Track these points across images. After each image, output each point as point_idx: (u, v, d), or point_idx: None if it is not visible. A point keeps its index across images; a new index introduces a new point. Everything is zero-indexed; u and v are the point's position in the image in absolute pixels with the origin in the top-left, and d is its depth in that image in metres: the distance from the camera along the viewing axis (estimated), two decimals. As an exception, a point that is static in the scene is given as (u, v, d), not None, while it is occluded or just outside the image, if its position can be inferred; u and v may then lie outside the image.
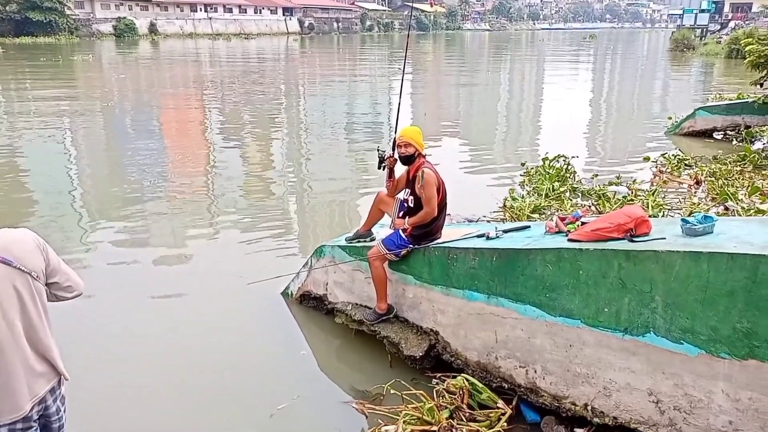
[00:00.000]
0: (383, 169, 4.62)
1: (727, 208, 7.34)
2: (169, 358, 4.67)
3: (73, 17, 58.78)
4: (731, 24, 53.24)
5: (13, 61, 34.02)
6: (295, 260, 6.08)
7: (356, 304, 4.88)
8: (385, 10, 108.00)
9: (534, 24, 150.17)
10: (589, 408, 3.44)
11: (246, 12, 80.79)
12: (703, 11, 60.13)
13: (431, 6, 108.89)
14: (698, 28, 56.28)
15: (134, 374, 4.42)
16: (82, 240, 7.23)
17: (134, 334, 5.00)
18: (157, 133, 14.92)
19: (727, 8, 60.90)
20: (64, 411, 2.54)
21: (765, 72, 11.53)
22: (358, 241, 4.88)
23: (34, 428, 2.37)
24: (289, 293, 5.58)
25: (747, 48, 11.89)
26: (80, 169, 11.02)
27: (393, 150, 4.53)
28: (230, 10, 78.72)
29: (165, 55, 43.27)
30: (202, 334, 5.02)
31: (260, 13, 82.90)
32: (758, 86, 12.14)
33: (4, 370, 2.24)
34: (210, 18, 74.94)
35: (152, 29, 66.35)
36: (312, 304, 5.36)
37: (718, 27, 55.86)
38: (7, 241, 2.30)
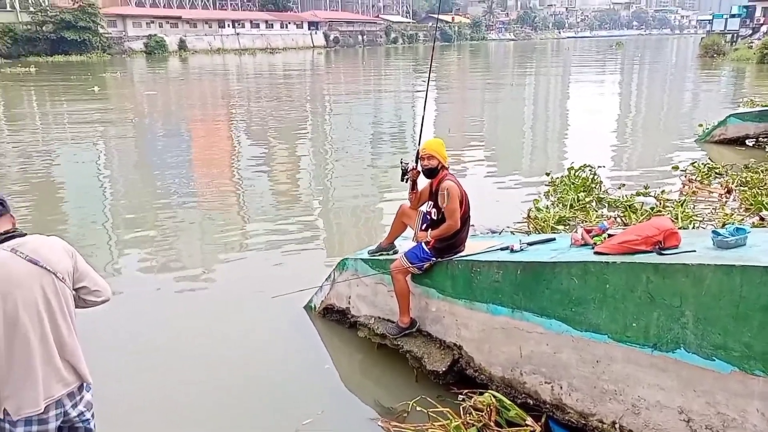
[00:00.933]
0: (406, 182, 4.60)
1: (762, 219, 7.12)
2: (194, 371, 4.70)
3: (106, 35, 60.49)
4: (763, 28, 52.02)
5: (45, 77, 35.15)
6: (318, 273, 6.08)
7: (379, 317, 4.86)
8: (409, 22, 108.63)
9: (559, 33, 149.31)
10: (617, 426, 3.35)
11: (272, 27, 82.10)
12: (733, 16, 58.98)
13: (452, 19, 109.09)
14: (729, 34, 55.22)
15: (158, 387, 4.46)
16: (110, 251, 7.38)
17: (158, 346, 5.05)
18: (184, 148, 15.18)
19: (758, 12, 59.54)
20: (92, 417, 2.57)
21: (799, 77, 11.21)
22: (381, 254, 4.86)
23: (53, 429, 2.40)
24: (312, 306, 5.58)
25: (780, 53, 11.59)
26: (109, 183, 11.26)
27: (416, 162, 4.51)
28: (257, 26, 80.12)
29: (192, 71, 44.19)
30: (225, 347, 5.05)
31: (286, 27, 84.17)
32: (792, 92, 11.81)
33: (25, 364, 2.32)
34: (237, 34, 76.34)
35: (182, 45, 67.89)
36: (335, 317, 5.35)
37: (750, 32, 54.65)
38: (37, 244, 2.44)
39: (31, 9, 56.52)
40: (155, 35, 65.46)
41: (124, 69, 43.47)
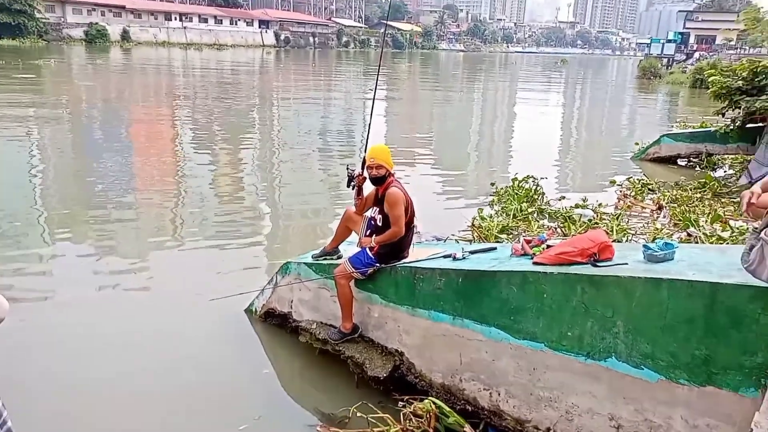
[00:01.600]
0: (352, 189, 4.59)
1: (690, 234, 7.50)
2: (127, 375, 4.51)
3: (43, 21, 57.70)
4: (696, 54, 55.19)
5: None
6: (260, 277, 5.98)
7: (321, 322, 4.81)
8: (361, 27, 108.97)
9: (507, 47, 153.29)
10: (551, 432, 3.44)
11: (222, 23, 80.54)
12: (669, 41, 62.41)
13: (409, 27, 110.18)
14: (665, 57, 58.26)
15: (89, 393, 4.25)
16: (41, 250, 7.01)
17: (90, 351, 4.82)
18: (123, 145, 14.63)
19: (692, 39, 63.26)
20: None
21: (727, 102, 11.91)
22: (325, 259, 4.82)
23: None
24: (253, 310, 5.48)
25: (710, 79, 12.28)
26: (41, 179, 10.71)
27: (362, 168, 4.51)
28: (205, 21, 78.39)
29: (135, 63, 42.68)
30: (161, 350, 4.88)
31: (236, 24, 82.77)
32: (720, 116, 12.54)
33: None
34: (185, 27, 74.44)
35: (125, 36, 65.60)
36: (276, 321, 5.26)
37: (684, 57, 57.86)
38: None
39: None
40: (96, 24, 63.00)
41: (60, 57, 41.44)
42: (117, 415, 4.05)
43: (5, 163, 11.35)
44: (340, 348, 4.51)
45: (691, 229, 7.53)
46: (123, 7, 68.14)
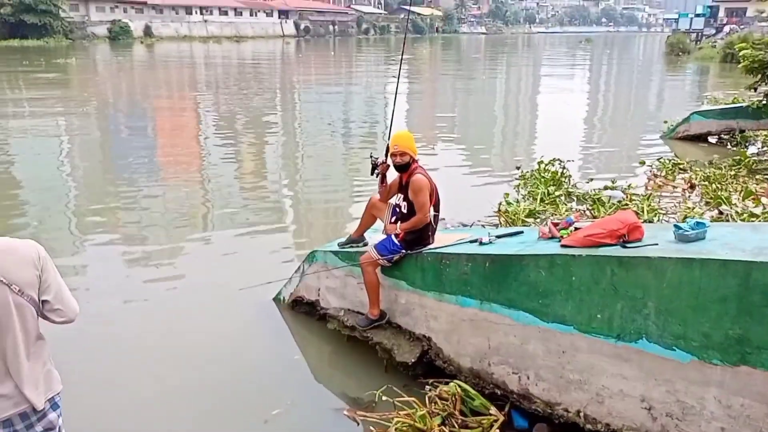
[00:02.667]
0: (376, 176, 4.61)
1: (721, 213, 7.34)
2: (160, 364, 4.63)
3: (68, 20, 58.62)
4: (726, 28, 53.50)
5: None
6: (287, 266, 6.04)
7: (348, 309, 4.85)
8: (381, 13, 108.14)
9: (530, 27, 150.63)
10: (581, 415, 3.42)
11: (241, 15, 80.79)
12: (698, 15, 60.55)
13: (430, 12, 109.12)
14: (693, 32, 56.59)
15: (125, 383, 4.37)
16: (72, 244, 7.19)
17: (122, 340, 4.95)
18: (149, 139, 14.86)
19: (722, 13, 61.25)
20: None
21: (759, 76, 11.55)
22: (351, 247, 4.86)
23: None
24: (281, 299, 5.55)
25: (741, 53, 11.91)
26: (69, 173, 10.96)
27: (386, 156, 4.52)
28: (225, 13, 78.70)
29: (158, 58, 43.16)
30: (193, 340, 4.98)
31: (256, 15, 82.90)
32: (752, 91, 12.17)
33: None
34: (205, 21, 74.90)
35: (147, 32, 66.24)
36: (304, 309, 5.33)
37: (713, 31, 56.15)
38: None
39: (-11, -10, 54.47)
40: (119, 20, 63.74)
41: (82, 55, 41.99)
42: (152, 402, 4.16)
43: (34, 159, 11.64)
44: (368, 334, 4.55)
45: (723, 207, 7.37)
46: (144, 3, 68.75)
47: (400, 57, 5.58)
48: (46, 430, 2.35)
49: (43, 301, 2.31)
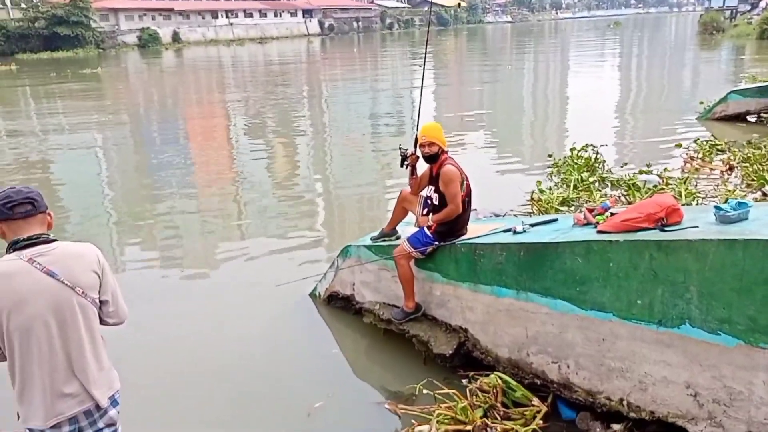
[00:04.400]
0: (406, 168, 4.60)
1: (765, 194, 7.11)
2: (203, 360, 4.74)
3: (99, 30, 60.09)
4: (762, 3, 51.55)
5: (27, 74, 34.48)
6: (322, 261, 6.10)
7: (384, 303, 4.87)
8: (404, 7, 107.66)
9: (557, 13, 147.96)
10: (624, 403, 3.37)
11: (266, 16, 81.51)
12: (732, -9, 58.49)
13: (458, 5, 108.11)
14: (727, 10, 54.78)
15: (170, 380, 4.49)
16: (111, 244, 7.40)
17: (168, 340, 5.08)
18: (182, 141, 15.14)
19: (757, -13, 59.09)
20: None
21: (799, 51, 11.12)
22: (384, 240, 4.87)
23: None
24: (317, 294, 5.60)
25: (779, 27, 11.49)
26: (104, 178, 11.25)
27: (414, 148, 4.51)
28: (251, 15, 79.53)
29: (187, 62, 43.88)
30: (232, 337, 5.08)
31: (280, 16, 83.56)
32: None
33: (32, 380, 2.25)
34: (231, 24, 75.84)
35: (175, 38, 67.47)
36: (340, 304, 5.37)
37: (749, 7, 54.21)
38: (61, 254, 2.30)
39: (23, 5, 56.11)
40: (148, 28, 65.03)
41: (112, 63, 42.85)
42: (195, 399, 4.26)
43: (70, 168, 11.98)
44: (404, 327, 4.56)
45: (766, 188, 7.14)
46: (171, 10, 70.03)
47: (424, 50, 5.53)
48: (107, 426, 2.46)
49: (101, 302, 2.43)
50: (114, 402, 2.48)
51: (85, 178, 11.07)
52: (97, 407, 2.39)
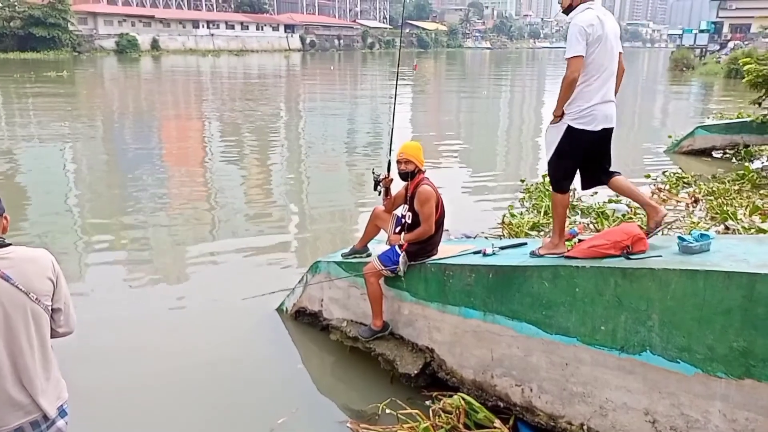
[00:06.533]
0: (379, 194, 4.63)
1: (727, 228, 7.32)
2: (165, 372, 4.63)
3: (76, 33, 59.32)
4: (730, 44, 53.70)
5: None
6: (291, 276, 6.05)
7: (351, 320, 4.85)
8: (386, 28, 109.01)
9: (534, 42, 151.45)
10: (585, 428, 3.39)
11: (248, 29, 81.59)
12: (702, 31, 60.86)
13: (435, 27, 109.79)
14: (697, 48, 56.83)
15: (126, 393, 4.36)
16: (77, 253, 7.22)
17: (128, 351, 4.94)
18: (153, 149, 14.94)
19: (726, 29, 61.57)
20: None
21: (763, 91, 11.57)
22: (354, 257, 4.86)
23: None
24: (284, 309, 5.55)
25: (745, 68, 11.94)
26: (75, 187, 11.03)
27: (388, 170, 4.56)
28: (232, 27, 79.52)
29: (151, 71, 43.52)
30: (195, 349, 4.98)
31: (262, 30, 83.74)
32: (757, 105, 12.18)
33: None
34: (212, 34, 75.65)
35: (154, 45, 66.98)
36: (307, 320, 5.32)
37: (718, 47, 56.40)
38: (17, 258, 2.23)
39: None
40: (127, 34, 64.47)
41: (84, 67, 42.03)
42: (155, 411, 4.15)
43: (33, 176, 11.72)
44: (371, 345, 4.53)
45: (729, 222, 7.35)
46: (152, 17, 69.64)
47: (398, 70, 5.56)
48: None
49: (54, 310, 2.34)
50: (62, 412, 2.39)
51: (52, 183, 10.83)
52: (45, 418, 2.30)
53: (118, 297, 5.97)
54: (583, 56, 3.56)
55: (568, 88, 3.63)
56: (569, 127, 3.69)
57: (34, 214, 8.87)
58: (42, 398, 2.27)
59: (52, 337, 2.40)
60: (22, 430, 2.25)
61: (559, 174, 3.85)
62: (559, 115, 3.72)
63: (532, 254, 3.81)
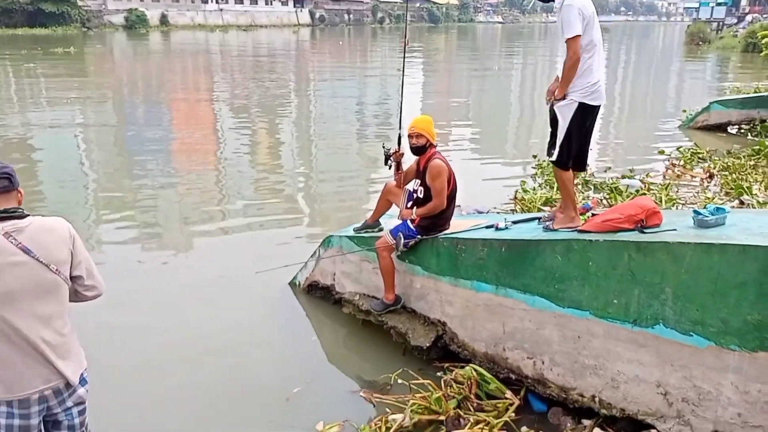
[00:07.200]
0: (389, 167, 4.62)
1: (742, 203, 7.25)
2: (181, 346, 4.70)
3: (85, 8, 59.00)
4: (748, 17, 52.46)
5: None
6: (303, 250, 6.07)
7: (364, 294, 4.89)
8: (396, 2, 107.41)
9: (547, 17, 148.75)
10: (596, 399, 3.43)
11: (257, 3, 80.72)
12: (719, 4, 59.31)
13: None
14: (714, 22, 55.54)
15: (145, 366, 4.44)
16: (88, 228, 7.29)
17: (144, 326, 5.01)
18: (164, 127, 14.96)
19: (744, 1, 60.01)
20: (79, 413, 2.45)
21: (781, 65, 11.35)
22: (366, 232, 4.88)
23: (35, 423, 2.32)
24: (297, 283, 5.60)
25: (764, 40, 11.73)
26: (87, 162, 11.09)
27: (398, 144, 4.54)
28: (241, 2, 78.67)
29: (160, 48, 43.30)
30: (210, 322, 5.04)
31: (271, 4, 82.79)
32: (774, 79, 11.95)
33: (6, 352, 2.23)
34: (221, 9, 74.95)
35: (163, 20, 66.45)
36: (319, 294, 5.37)
37: (735, 20, 55.07)
38: (35, 230, 2.27)
39: (8, -21, 54.83)
40: (136, 9, 63.95)
41: (88, 44, 41.69)
42: (173, 385, 4.22)
43: (44, 150, 11.79)
44: (383, 319, 4.58)
45: (744, 196, 7.28)
46: (161, -8, 68.96)
47: (410, 45, 5.50)
48: (76, 404, 2.44)
49: (75, 277, 2.39)
50: (83, 381, 2.46)
51: (63, 161, 10.89)
52: (67, 386, 2.37)
53: (129, 272, 6.01)
54: (581, 35, 3.57)
55: (573, 68, 3.64)
56: (581, 105, 3.69)
57: (46, 191, 8.95)
58: (63, 366, 2.33)
59: (81, 301, 2.47)
60: (45, 398, 2.32)
61: (573, 152, 3.84)
62: (562, 96, 3.71)
63: (546, 229, 3.81)
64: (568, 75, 3.66)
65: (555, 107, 3.81)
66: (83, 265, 2.41)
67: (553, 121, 3.88)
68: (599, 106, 3.81)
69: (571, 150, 3.83)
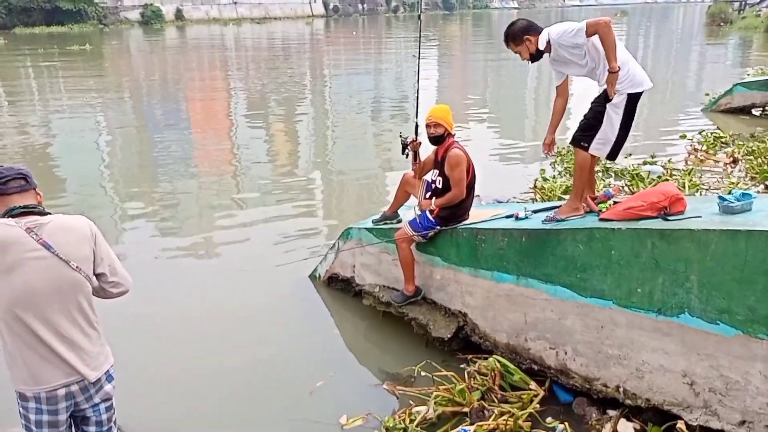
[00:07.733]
0: (407, 156, 4.60)
1: (767, 187, 7.10)
2: (204, 340, 4.75)
3: (102, 6, 59.53)
4: (772, -5, 51.06)
5: (10, 51, 33.12)
6: (322, 243, 6.11)
7: (384, 286, 4.89)
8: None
9: (564, 1, 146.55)
10: (621, 390, 3.40)
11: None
12: (741, -17, 57.82)
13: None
14: (736, 2, 54.20)
15: (167, 360, 4.49)
16: (109, 221, 7.39)
17: (167, 320, 5.07)
18: (182, 120, 15.07)
19: (767, -21, 58.42)
20: (106, 409, 2.49)
21: (808, 45, 11.02)
22: (385, 223, 4.87)
23: (63, 419, 2.36)
24: (317, 275, 5.62)
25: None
26: (107, 156, 11.23)
27: (416, 134, 4.51)
28: (255, -6, 78.65)
29: (176, 43, 43.48)
30: (231, 316, 5.08)
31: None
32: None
33: (27, 349, 2.26)
34: (235, 2, 75.05)
35: (178, 15, 66.78)
36: (339, 286, 5.39)
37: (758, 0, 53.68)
38: (56, 227, 2.30)
39: (26, -22, 55.43)
40: (151, 4, 64.31)
41: (104, 41, 41.93)
42: (196, 379, 4.26)
43: (66, 144, 11.95)
44: (404, 310, 4.58)
45: (769, 181, 7.12)
46: (176, -13, 69.22)
47: (424, 35, 5.46)
48: (103, 400, 2.48)
49: (99, 275, 2.42)
50: (109, 377, 2.49)
51: (83, 157, 11.04)
52: (94, 382, 2.40)
53: (150, 267, 6.08)
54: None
55: (615, 43, 3.59)
56: (630, 96, 3.70)
57: (66, 187, 9.08)
58: (88, 362, 2.37)
59: (108, 298, 2.49)
60: (72, 394, 2.36)
61: (618, 142, 3.81)
62: (617, 70, 3.62)
63: (546, 220, 3.79)
64: (613, 47, 3.59)
65: (609, 107, 3.74)
66: (106, 263, 2.43)
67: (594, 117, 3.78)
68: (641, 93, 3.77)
69: (617, 141, 3.80)
